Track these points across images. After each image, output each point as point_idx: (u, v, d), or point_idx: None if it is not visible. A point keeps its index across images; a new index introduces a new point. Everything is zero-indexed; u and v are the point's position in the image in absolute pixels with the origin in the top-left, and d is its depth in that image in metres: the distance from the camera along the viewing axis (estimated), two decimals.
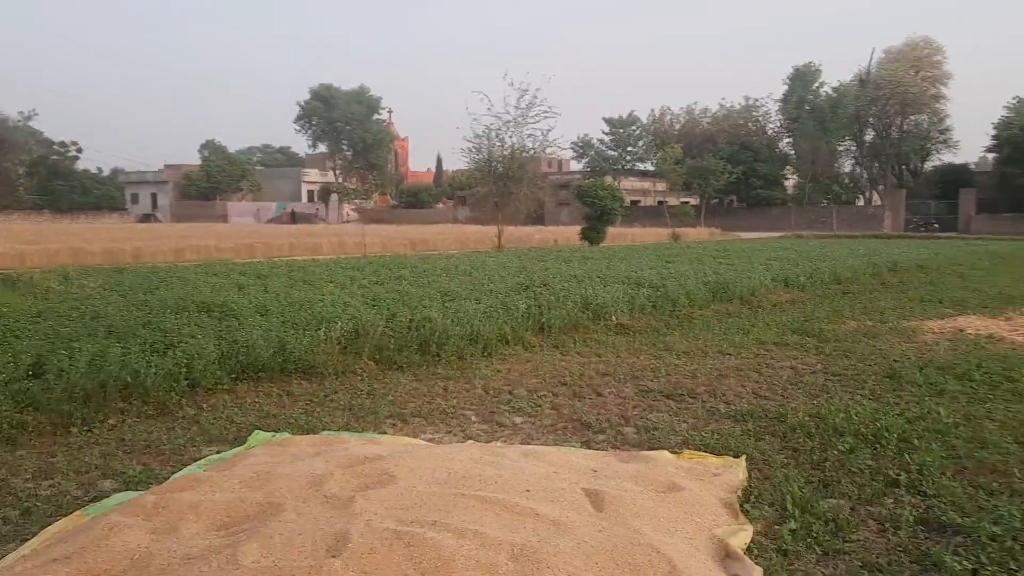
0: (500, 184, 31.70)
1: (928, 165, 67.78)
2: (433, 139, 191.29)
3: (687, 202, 62.81)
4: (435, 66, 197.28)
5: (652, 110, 77.58)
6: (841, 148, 68.48)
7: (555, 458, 4.68)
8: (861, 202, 70.41)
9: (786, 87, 67.74)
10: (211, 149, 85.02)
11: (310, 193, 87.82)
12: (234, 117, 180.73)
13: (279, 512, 3.66)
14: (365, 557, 3.11)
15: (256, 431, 5.64)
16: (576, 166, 78.14)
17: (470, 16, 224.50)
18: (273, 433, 5.57)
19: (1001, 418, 6.06)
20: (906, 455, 5.06)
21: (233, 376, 7.13)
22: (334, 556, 3.13)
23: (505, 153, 31.15)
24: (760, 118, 70.74)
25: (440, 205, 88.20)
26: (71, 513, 4.16)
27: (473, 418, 6.32)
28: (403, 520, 3.47)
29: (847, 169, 70.77)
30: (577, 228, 37.02)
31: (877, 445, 5.31)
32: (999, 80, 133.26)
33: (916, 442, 5.35)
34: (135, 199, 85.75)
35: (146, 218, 75.60)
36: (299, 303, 10.24)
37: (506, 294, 11.75)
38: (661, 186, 69.55)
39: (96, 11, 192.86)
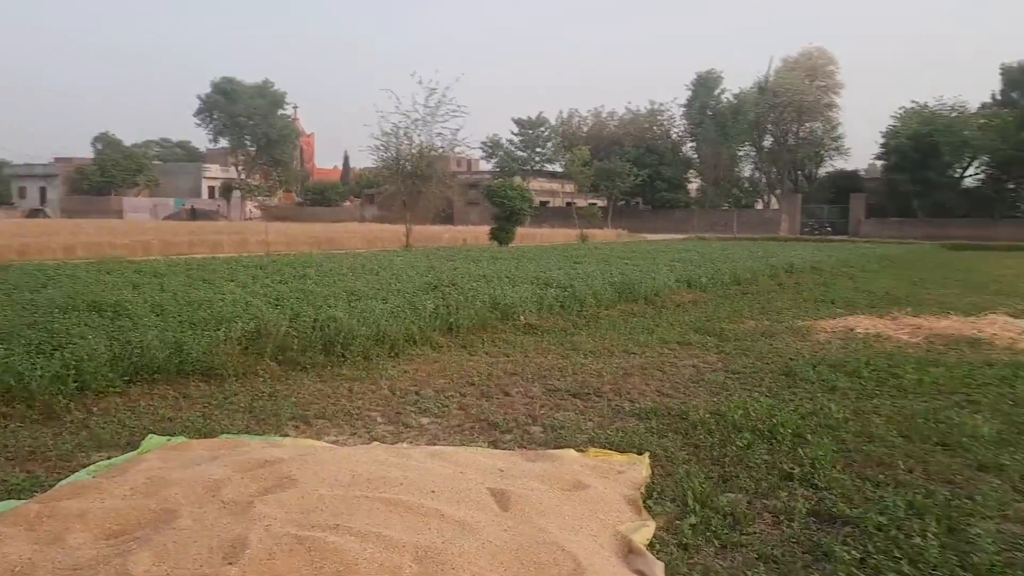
0: (408, 183, 31.48)
1: (822, 171, 70.75)
2: (340, 136, 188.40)
3: (595, 203, 63.78)
4: (342, 62, 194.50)
5: (560, 112, 78.55)
6: (741, 153, 70.74)
7: (462, 458, 4.66)
8: (760, 206, 72.90)
9: (690, 93, 69.62)
10: (105, 142, 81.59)
11: (211, 189, 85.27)
12: (130, 110, 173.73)
13: (173, 519, 3.52)
14: (264, 563, 3.02)
15: (150, 435, 5.42)
16: (485, 166, 78.39)
17: (376, 13, 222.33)
18: (168, 437, 5.36)
19: (887, 413, 6.35)
20: (800, 449, 5.25)
21: (126, 378, 6.83)
22: (231, 563, 3.03)
23: (413, 152, 30.96)
24: (665, 122, 72.48)
25: (347, 203, 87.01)
26: None
27: (379, 419, 6.23)
28: (304, 524, 3.39)
29: (747, 174, 73.13)
30: (486, 228, 37.10)
31: (773, 440, 5.49)
32: (887, 91, 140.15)
33: (809, 437, 5.55)
34: (22, 193, 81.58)
35: (34, 213, 71.91)
36: (198, 302, 9.90)
37: (414, 294, 11.66)
38: (569, 187, 70.40)
39: None
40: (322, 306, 9.89)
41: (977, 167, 61.12)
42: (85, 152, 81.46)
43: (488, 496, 3.90)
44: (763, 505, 4.35)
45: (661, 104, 72.31)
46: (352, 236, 35.95)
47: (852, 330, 11.14)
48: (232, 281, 13.19)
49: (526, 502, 3.83)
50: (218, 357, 7.43)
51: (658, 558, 3.56)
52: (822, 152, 69.41)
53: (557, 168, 74.41)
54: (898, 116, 61.80)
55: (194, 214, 71.60)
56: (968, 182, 61.85)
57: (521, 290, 12.54)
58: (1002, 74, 62.40)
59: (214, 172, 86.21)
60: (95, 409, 6.20)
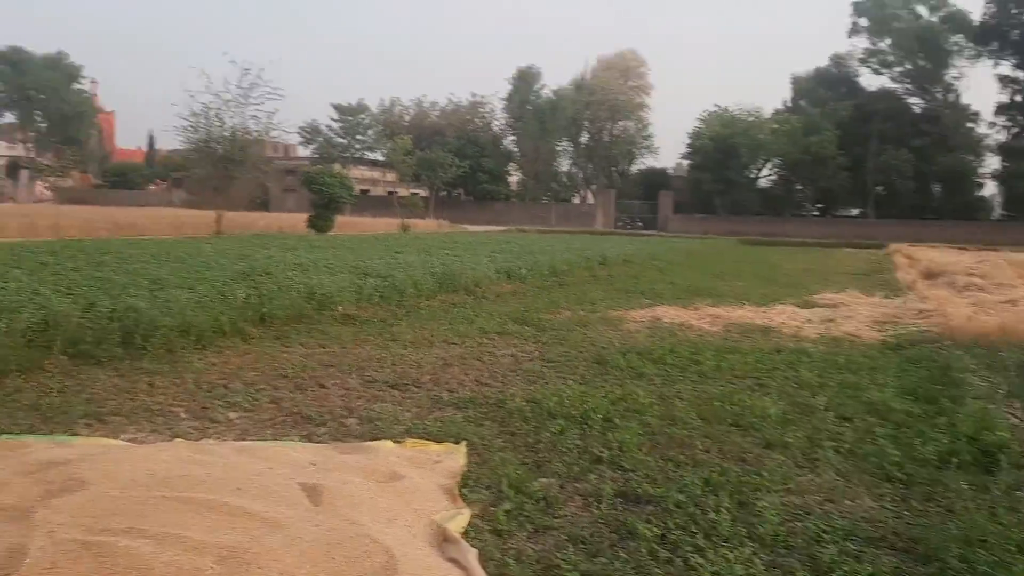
0: (220, 167, 30.06)
1: (634, 168, 74.22)
2: (146, 116, 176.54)
3: (417, 193, 63.64)
4: (150, 39, 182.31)
5: (382, 100, 77.58)
6: (560, 148, 72.89)
7: (271, 453, 4.49)
8: (577, 200, 75.44)
9: (511, 87, 70.81)
10: None
11: None
12: None
13: None
14: (44, 573, 2.76)
15: None
16: (304, 152, 76.08)
17: None
18: None
19: (688, 397, 6.74)
20: (609, 434, 5.46)
21: None
22: (7, 575, 2.75)
23: (225, 134, 29.57)
24: (486, 115, 73.34)
25: (153, 187, 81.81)
26: None
27: (182, 415, 5.89)
28: (93, 529, 3.13)
29: (565, 168, 75.45)
30: (304, 216, 36.06)
31: (585, 425, 5.68)
32: (693, 94, 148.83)
33: (618, 421, 5.79)
34: None
35: None
36: None
37: (224, 282, 11.12)
38: (391, 176, 69.81)
39: None
40: (120, 295, 9.22)
41: (770, 169, 66.38)
42: None
43: (299, 491, 3.77)
44: (574, 488, 4.49)
45: (483, 97, 73.14)
46: (158, 221, 33.77)
47: (659, 320, 11.73)
48: (18, 268, 12.03)
49: (339, 495, 3.74)
50: None
51: (472, 545, 3.58)
52: (634, 150, 72.78)
53: (379, 156, 73.55)
54: (702, 119, 65.86)
55: None
56: (763, 182, 67.02)
57: (339, 279, 12.28)
58: (792, 83, 68.14)
59: None
60: None
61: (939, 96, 63.18)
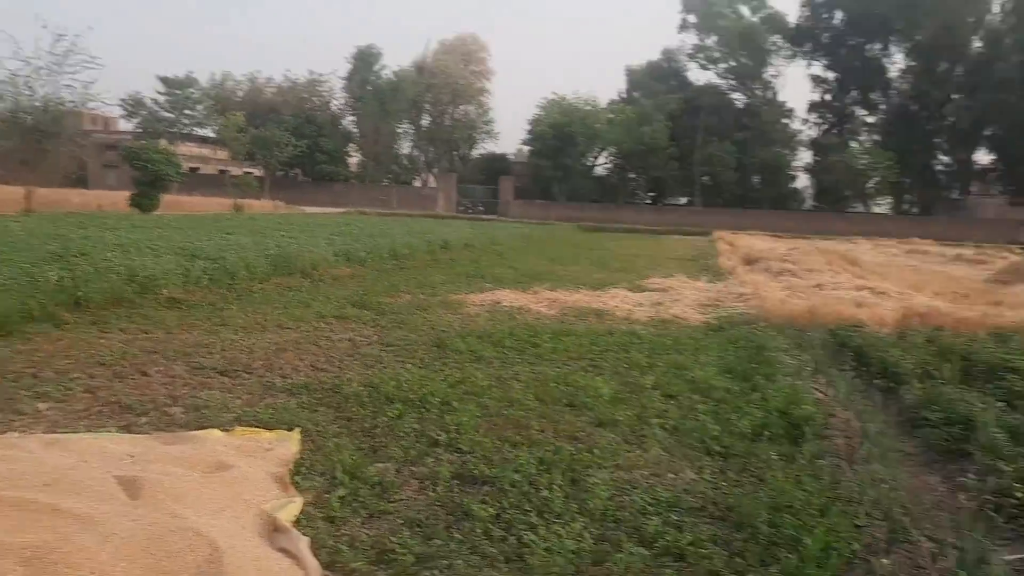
0: (30, 139, 27.68)
1: (475, 153, 74.66)
2: None
3: (251, 172, 61.21)
4: None
5: (213, 74, 73.99)
6: (400, 130, 72.18)
7: (84, 446, 4.19)
8: (419, 183, 75.03)
9: (350, 66, 69.33)
10: None
11: None
12: None
13: None
14: None
15: None
16: (126, 126, 71.40)
17: None
18: None
19: (526, 379, 6.87)
20: (447, 416, 5.48)
21: None
22: None
23: (36, 104, 27.26)
24: (325, 94, 71.45)
25: None
26: None
27: None
28: None
29: (406, 151, 74.82)
30: (127, 194, 33.86)
31: (423, 409, 5.68)
32: (534, 82, 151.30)
33: (456, 404, 5.82)
34: None
35: None
36: None
37: (34, 264, 10.27)
38: (223, 154, 66.76)
39: None
40: None
41: (606, 157, 68.63)
42: None
43: (115, 485, 3.54)
44: (411, 472, 4.47)
45: (321, 75, 71.19)
46: None
47: (499, 303, 11.88)
48: None
49: (159, 488, 3.54)
50: None
51: (304, 533, 3.50)
52: (475, 135, 73.18)
53: (209, 133, 70.13)
54: (542, 106, 67.07)
55: None
56: (599, 170, 69.20)
57: (164, 261, 11.62)
58: (627, 75, 70.66)
59: None
60: None
61: (759, 93, 67.42)
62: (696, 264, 22.60)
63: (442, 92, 69.36)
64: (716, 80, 67.96)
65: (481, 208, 65.33)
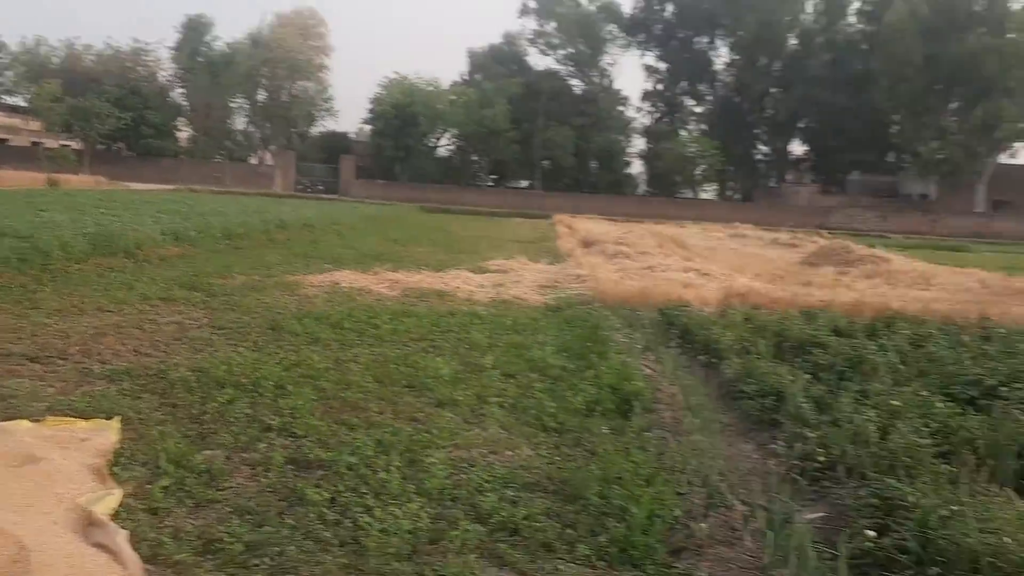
0: None
1: (315, 130, 72.53)
2: None
3: (68, 145, 56.77)
4: None
5: (24, 38, 67.85)
6: (235, 105, 68.97)
7: None
8: (255, 161, 72.13)
9: (179, 36, 65.56)
10: None
11: None
12: None
13: None
14: None
15: None
16: None
17: None
18: None
19: (365, 360, 6.79)
20: (281, 400, 5.34)
21: None
22: None
23: None
24: (151, 64, 67.16)
25: None
26: None
27: None
28: None
29: (241, 126, 71.69)
30: None
31: (256, 394, 5.50)
32: (375, 60, 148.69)
33: (291, 388, 5.67)
34: None
35: None
36: None
37: None
38: (36, 125, 61.55)
39: None
40: None
41: (448, 139, 68.57)
42: None
43: None
44: (242, 459, 4.33)
45: (147, 44, 66.83)
46: None
47: (338, 284, 11.65)
48: None
49: None
50: None
51: (124, 526, 3.31)
52: (314, 112, 71.05)
53: (20, 102, 64.44)
54: (383, 85, 66.04)
55: None
56: (442, 151, 69.06)
57: None
58: (469, 57, 70.82)
59: None
60: None
61: (596, 80, 69.39)
62: (536, 246, 23.04)
63: (279, 67, 66.80)
64: (556, 66, 69.33)
65: (321, 188, 63.66)
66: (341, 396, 5.61)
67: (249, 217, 21.29)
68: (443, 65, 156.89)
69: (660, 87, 72.25)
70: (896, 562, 3.37)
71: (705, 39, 69.52)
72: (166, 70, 67.32)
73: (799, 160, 70.90)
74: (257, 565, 3.25)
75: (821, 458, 4.73)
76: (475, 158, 67.85)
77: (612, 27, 68.46)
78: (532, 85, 65.16)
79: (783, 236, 33.32)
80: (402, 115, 61.98)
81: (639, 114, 72.04)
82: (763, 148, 70.71)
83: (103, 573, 2.98)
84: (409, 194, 58.01)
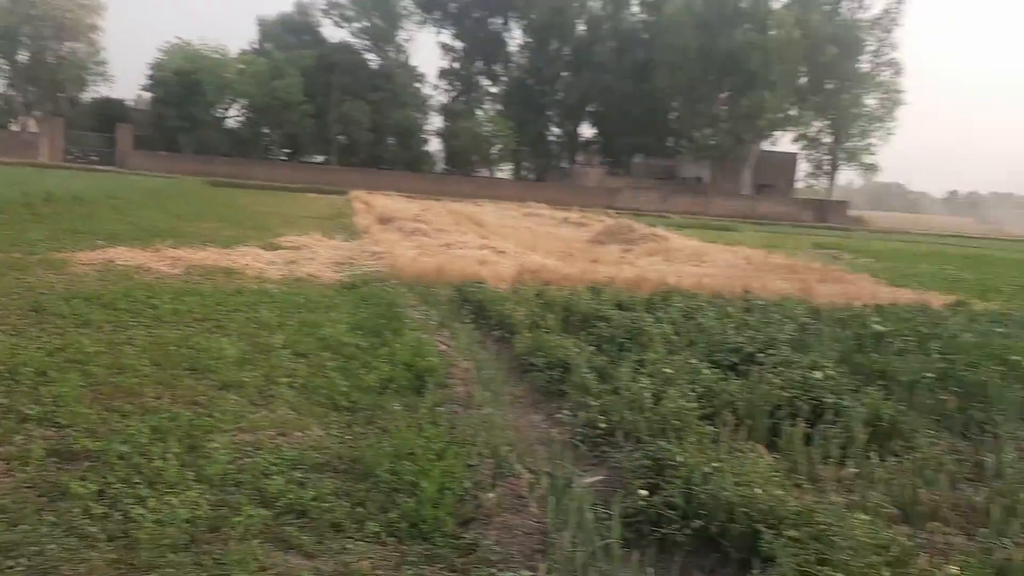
0: None
1: (87, 96, 66.61)
2: None
3: None
4: None
5: None
6: None
7: None
8: (16, 127, 65.15)
9: None
10: None
11: None
12: None
13: None
14: None
15: None
16: None
17: None
18: None
19: (141, 343, 6.36)
20: (43, 388, 4.89)
21: None
22: None
23: None
24: None
25: None
26: None
27: None
28: None
29: (0, 90, 64.51)
30: None
31: (12, 381, 5.00)
32: (156, 22, 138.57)
33: (54, 374, 5.21)
34: None
35: None
36: None
37: None
38: None
39: None
40: None
41: (238, 110, 65.32)
42: None
43: None
44: None
45: None
46: None
47: (112, 262, 10.81)
48: None
49: None
50: None
51: None
52: (86, 76, 65.21)
53: None
54: (165, 50, 61.73)
55: None
56: (231, 123, 65.65)
57: None
58: (259, 26, 67.71)
59: None
60: None
61: (392, 55, 68.64)
62: (332, 223, 22.55)
63: (44, 25, 60.64)
64: (351, 39, 67.81)
65: (95, 158, 58.60)
66: (113, 381, 5.23)
67: (8, 188, 19.30)
68: (231, 32, 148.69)
69: (456, 66, 72.72)
70: (666, 517, 3.63)
71: (499, 20, 70.66)
72: None
73: (588, 142, 74.01)
74: (12, 567, 2.97)
75: (602, 425, 5.00)
76: (267, 131, 65.13)
77: (408, 2, 67.90)
78: (327, 58, 63.42)
79: (574, 215, 34.68)
80: (186, 83, 58.28)
81: (436, 92, 72.25)
82: (555, 130, 73.14)
83: None
84: (195, 167, 54.78)
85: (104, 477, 3.70)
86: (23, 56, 62.80)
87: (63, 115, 62.27)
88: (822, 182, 69.08)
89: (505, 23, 70.84)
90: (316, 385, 5.61)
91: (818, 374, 5.86)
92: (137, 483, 3.65)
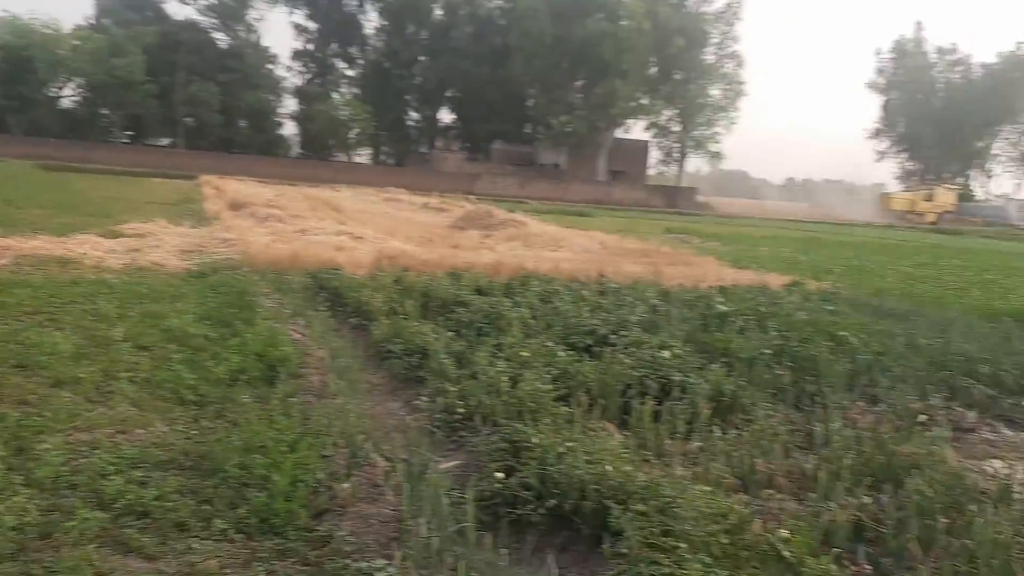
0: None
1: None
2: None
3: None
4: None
5: None
6: None
7: None
8: None
9: None
10: None
11: None
12: None
13: None
14: None
15: None
16: None
17: None
18: None
19: None
20: None
21: None
22: None
23: None
24: None
25: None
26: None
27: None
28: None
29: None
30: None
31: None
32: None
33: None
34: None
35: None
36: None
37: None
38: None
39: None
40: None
41: (73, 89, 61.10)
42: None
43: None
44: None
45: None
46: None
47: None
48: None
49: None
50: None
51: None
52: None
53: None
54: None
55: None
56: (66, 103, 61.34)
57: None
58: (96, 0, 63.44)
59: None
60: None
61: (243, 35, 66.02)
62: (179, 209, 21.53)
63: None
64: (197, 17, 64.72)
65: None
66: None
67: None
68: (64, 6, 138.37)
69: (311, 47, 70.86)
70: (521, 498, 3.69)
71: (354, 2, 69.40)
72: None
73: (448, 128, 73.93)
74: None
75: (460, 410, 5.02)
76: (106, 112, 61.29)
77: None
78: (171, 36, 60.30)
79: (434, 201, 34.61)
80: (14, 59, 54.00)
81: (290, 74, 70.29)
82: (414, 115, 72.64)
83: None
84: (26, 150, 50.86)
85: None
86: None
87: None
88: (672, 169, 71.99)
89: (360, 5, 69.65)
90: (160, 379, 5.34)
91: (666, 353, 6.10)
92: None
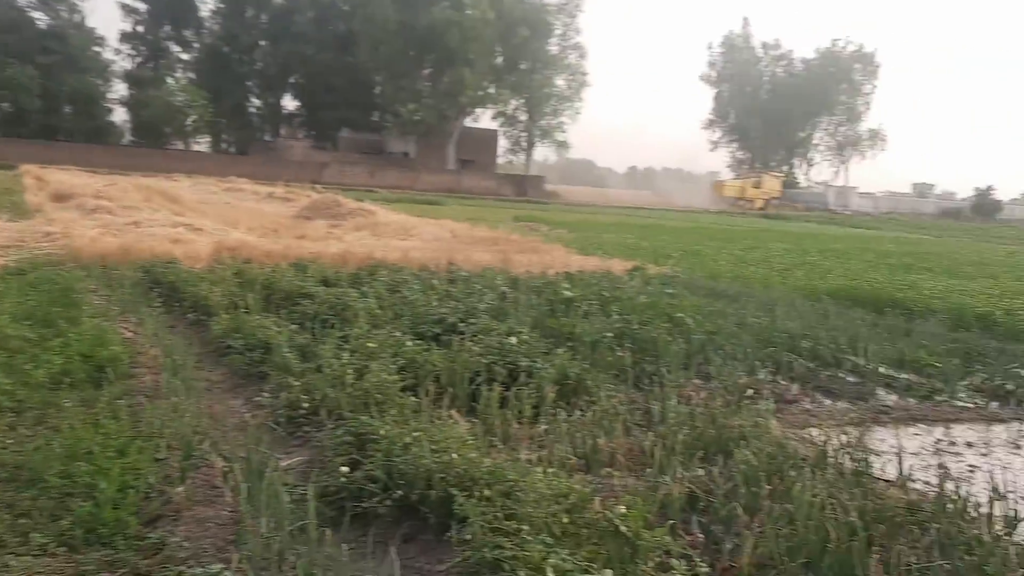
0: None
1: None
2: None
3: None
4: None
5: None
6: None
7: None
8: None
9: None
10: None
11: None
12: None
13: None
14: None
15: None
16: None
17: None
18: None
19: None
20: None
21: None
22: None
23: None
24: None
25: None
26: None
27: None
28: None
29: None
30: None
31: None
32: None
33: None
34: None
35: None
36: None
37: None
38: None
39: None
40: None
41: None
42: None
43: None
44: None
45: None
46: None
47: None
48: None
49: None
50: None
51: None
52: None
53: None
54: None
55: None
56: None
57: None
58: None
59: None
60: None
61: (64, 15, 61.48)
62: None
63: None
64: None
65: None
66: None
67: None
68: None
69: (141, 29, 66.86)
70: (367, 491, 3.64)
71: None
72: None
73: (292, 115, 71.78)
74: None
75: (305, 404, 4.90)
76: None
77: None
78: None
79: (279, 190, 33.52)
80: None
81: (119, 57, 66.07)
82: (256, 101, 70.13)
83: None
84: None
85: None
86: None
87: None
88: (520, 158, 73.03)
89: None
90: None
91: (514, 339, 6.18)
92: None
